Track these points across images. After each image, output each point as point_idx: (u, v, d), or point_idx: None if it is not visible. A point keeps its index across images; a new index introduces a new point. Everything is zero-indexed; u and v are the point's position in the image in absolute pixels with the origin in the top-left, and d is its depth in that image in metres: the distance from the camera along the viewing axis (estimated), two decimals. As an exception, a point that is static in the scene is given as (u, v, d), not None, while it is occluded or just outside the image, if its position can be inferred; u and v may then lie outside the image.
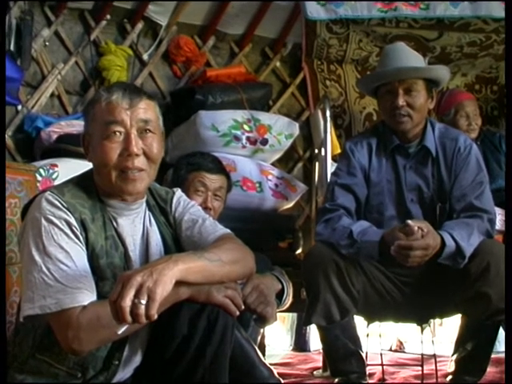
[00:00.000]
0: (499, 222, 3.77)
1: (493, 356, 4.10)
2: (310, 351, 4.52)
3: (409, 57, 3.16)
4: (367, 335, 3.28)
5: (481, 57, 5.10)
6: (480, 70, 5.38)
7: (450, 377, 3.16)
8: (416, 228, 2.70)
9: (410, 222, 2.74)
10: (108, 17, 4.62)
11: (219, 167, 3.21)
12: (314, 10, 4.30)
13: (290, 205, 4.37)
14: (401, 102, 3.03)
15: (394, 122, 3.08)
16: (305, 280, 2.99)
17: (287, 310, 3.03)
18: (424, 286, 2.99)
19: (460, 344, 3.03)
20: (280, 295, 2.77)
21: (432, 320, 3.38)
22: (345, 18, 4.42)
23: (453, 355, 3.06)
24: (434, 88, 3.16)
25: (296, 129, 4.42)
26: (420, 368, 3.34)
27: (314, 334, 4.36)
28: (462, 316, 3.09)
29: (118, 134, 2.07)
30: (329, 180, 3.33)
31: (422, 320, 3.25)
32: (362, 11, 4.34)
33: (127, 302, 1.72)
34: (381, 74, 3.14)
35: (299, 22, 4.85)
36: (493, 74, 5.41)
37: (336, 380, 3.10)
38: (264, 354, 3.79)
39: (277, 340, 4.67)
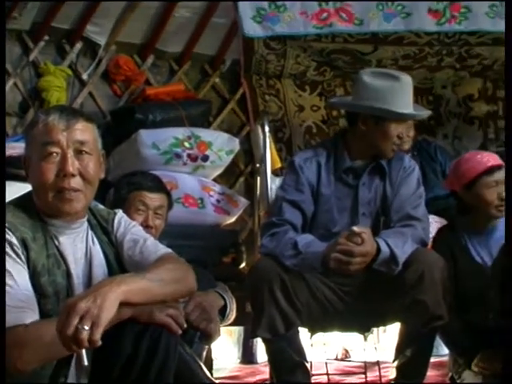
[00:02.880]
0: (434, 230, 3.87)
1: (434, 360, 4.22)
2: (257, 363, 4.56)
3: (404, 100, 3.23)
4: (311, 345, 3.34)
5: (415, 69, 5.20)
6: (415, 82, 5.45)
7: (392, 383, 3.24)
8: (360, 233, 2.81)
9: (354, 228, 2.84)
10: (46, 37, 4.62)
11: (159, 186, 3.24)
12: (251, 28, 4.35)
13: (233, 220, 4.43)
14: (397, 134, 3.17)
15: (388, 151, 3.19)
16: (250, 293, 3.01)
17: (233, 324, 3.08)
18: (364, 296, 3.06)
19: (400, 351, 3.09)
20: (223, 311, 2.82)
21: (374, 328, 3.46)
22: (281, 34, 4.48)
23: (393, 362, 3.13)
24: None
25: (236, 144, 4.48)
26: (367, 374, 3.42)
27: (260, 346, 4.40)
28: (400, 323, 3.17)
29: (54, 154, 2.09)
30: (276, 194, 3.37)
31: (364, 329, 3.33)
32: (298, 28, 4.39)
33: (71, 331, 1.74)
34: (391, 112, 3.16)
35: (237, 38, 4.89)
36: (428, 84, 5.53)
37: None
38: (211, 368, 3.83)
39: (224, 353, 4.69)
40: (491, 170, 3.19)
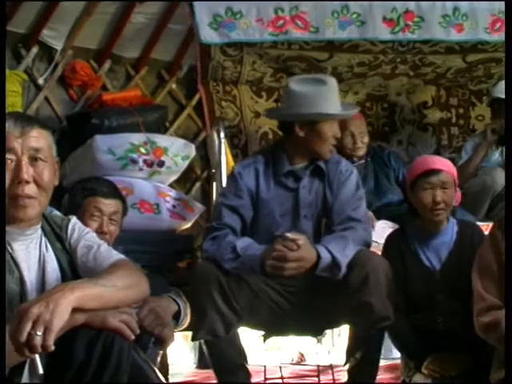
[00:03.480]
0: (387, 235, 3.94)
1: (387, 362, 4.30)
2: (213, 368, 4.57)
3: (332, 100, 3.28)
4: (266, 349, 3.38)
5: (370, 76, 5.30)
6: (370, 89, 5.59)
7: None
8: (293, 240, 2.86)
9: (288, 234, 2.89)
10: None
11: (114, 192, 3.24)
12: (208, 34, 4.38)
13: (188, 225, 4.44)
14: (332, 139, 3.24)
15: (325, 152, 3.26)
16: (190, 298, 3.03)
17: (189, 329, 3.09)
18: (311, 297, 3.10)
19: (350, 353, 3.14)
20: (177, 316, 2.84)
21: (328, 331, 3.50)
22: (237, 41, 4.51)
23: (345, 365, 3.18)
24: None
25: (192, 150, 4.50)
26: (322, 377, 3.46)
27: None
28: (349, 326, 3.22)
29: (9, 161, 2.09)
30: (216, 201, 3.45)
31: (316, 331, 3.36)
32: (254, 35, 4.43)
33: (24, 337, 1.74)
34: (308, 114, 3.22)
35: (194, 44, 4.91)
36: (382, 92, 5.64)
37: None
38: (167, 373, 3.85)
39: (180, 358, 4.71)
40: (428, 172, 3.21)
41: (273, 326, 3.31)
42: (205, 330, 3.00)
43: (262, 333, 3.37)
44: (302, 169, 3.27)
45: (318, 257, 2.91)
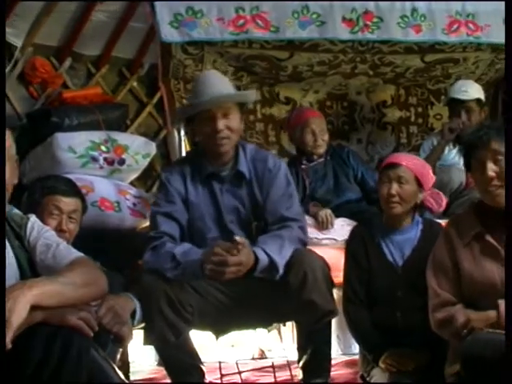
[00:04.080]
0: (346, 232, 3.98)
1: (347, 358, 4.35)
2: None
3: (221, 83, 3.30)
4: (230, 346, 3.40)
5: (330, 75, 5.33)
6: (330, 88, 5.62)
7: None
8: (238, 243, 2.88)
9: (237, 237, 2.91)
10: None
11: (73, 190, 3.24)
12: (169, 33, 4.39)
13: (149, 223, 4.43)
14: (221, 125, 3.17)
15: (215, 145, 3.22)
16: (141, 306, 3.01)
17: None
18: (255, 298, 3.12)
19: (300, 350, 3.19)
20: (135, 314, 2.86)
21: (276, 325, 3.53)
22: (198, 40, 4.52)
23: (299, 362, 3.22)
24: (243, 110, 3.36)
25: (153, 148, 4.51)
26: (280, 374, 3.49)
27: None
28: (295, 323, 3.26)
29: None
30: (151, 211, 3.44)
31: (264, 325, 3.43)
32: (215, 34, 4.45)
33: None
34: (201, 103, 3.24)
35: (155, 43, 4.91)
36: (342, 90, 5.67)
37: None
38: (128, 371, 3.86)
39: (141, 356, 4.71)
40: (388, 166, 3.28)
41: (221, 326, 3.35)
42: (154, 337, 3.03)
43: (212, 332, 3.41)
44: (225, 171, 3.30)
45: (256, 259, 2.94)
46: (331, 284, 3.09)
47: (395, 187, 3.22)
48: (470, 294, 2.71)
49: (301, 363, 3.19)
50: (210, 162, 3.30)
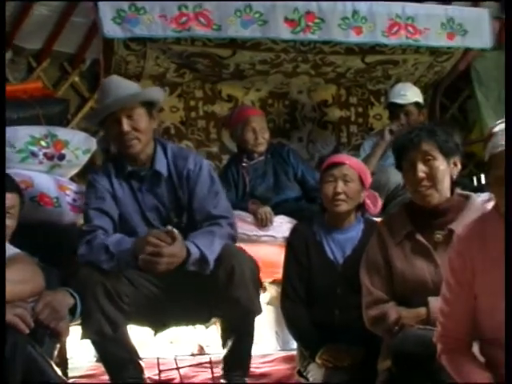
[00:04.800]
0: (285, 230, 4.03)
1: (285, 354, 4.41)
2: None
3: (123, 86, 3.31)
4: (169, 342, 3.41)
5: (272, 74, 5.39)
6: (272, 86, 5.68)
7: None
8: (170, 234, 2.93)
9: (169, 227, 2.97)
10: None
11: (11, 185, 3.20)
12: (111, 29, 4.38)
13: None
14: (126, 127, 3.20)
15: (124, 147, 3.26)
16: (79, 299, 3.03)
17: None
18: (186, 291, 3.16)
19: (223, 343, 3.24)
20: (74, 309, 2.86)
21: (214, 321, 3.55)
22: (141, 36, 4.53)
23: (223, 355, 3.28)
24: (153, 109, 3.37)
25: (93, 143, 4.47)
26: (217, 369, 3.51)
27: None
28: (220, 319, 3.30)
29: None
30: (83, 209, 3.46)
31: (201, 320, 3.43)
32: (157, 31, 4.45)
33: None
34: (104, 106, 3.28)
35: (97, 38, 4.88)
36: (284, 89, 5.74)
37: None
38: (66, 368, 3.85)
39: (80, 352, 4.68)
40: (332, 165, 3.33)
41: (158, 321, 3.38)
42: (92, 331, 3.03)
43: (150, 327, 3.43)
44: (144, 171, 3.33)
45: (188, 252, 2.97)
46: (258, 284, 3.14)
47: (341, 185, 3.27)
48: (402, 291, 2.78)
49: (222, 356, 3.25)
50: (129, 161, 3.33)
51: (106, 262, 3.02)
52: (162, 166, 3.32)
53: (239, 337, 3.18)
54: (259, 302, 3.14)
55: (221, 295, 3.03)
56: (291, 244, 3.42)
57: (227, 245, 3.12)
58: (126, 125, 3.20)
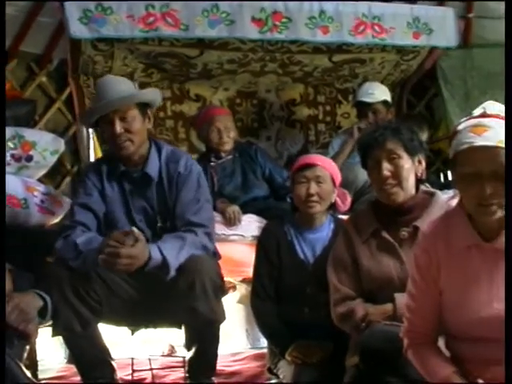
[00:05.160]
0: (253, 228, 4.07)
1: (256, 352, 4.43)
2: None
3: (118, 87, 3.31)
4: (142, 342, 3.41)
5: (240, 73, 5.40)
6: (240, 85, 5.69)
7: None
8: (134, 235, 2.93)
9: (134, 228, 2.98)
10: None
11: (-23, 187, 3.21)
12: (78, 29, 4.36)
13: (57, 220, 4.38)
14: (118, 129, 3.21)
15: (117, 148, 3.27)
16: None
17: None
18: (160, 292, 3.16)
19: (187, 347, 3.24)
20: (44, 311, 2.86)
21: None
22: (107, 37, 4.51)
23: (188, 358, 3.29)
24: (148, 109, 3.38)
25: (61, 144, 4.47)
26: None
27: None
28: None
29: None
30: (70, 202, 3.47)
31: (174, 323, 3.41)
32: (125, 31, 4.43)
33: None
34: (96, 108, 3.30)
35: (65, 38, 4.83)
36: (252, 88, 5.75)
37: None
38: (37, 369, 3.84)
39: (50, 354, 4.67)
40: (304, 167, 3.35)
41: (134, 320, 3.39)
42: (61, 327, 3.04)
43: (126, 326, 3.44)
44: (137, 172, 3.34)
45: (150, 256, 2.97)
46: (221, 292, 3.14)
47: (314, 187, 3.29)
48: (369, 288, 2.82)
49: (187, 358, 3.27)
50: (122, 161, 3.33)
51: (73, 259, 3.04)
52: (153, 168, 3.32)
53: (203, 342, 3.18)
54: (222, 309, 3.14)
55: (182, 304, 3.03)
56: (262, 243, 3.43)
57: (194, 255, 3.09)
58: (118, 127, 3.20)
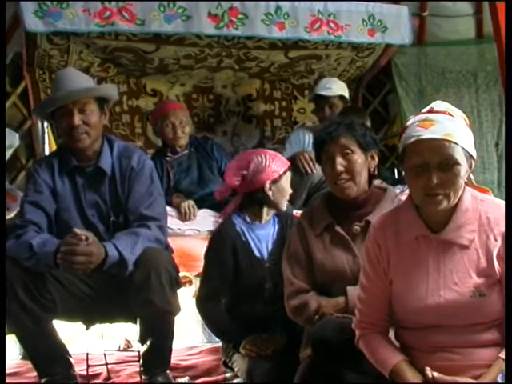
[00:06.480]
0: (208, 223, 4.09)
1: (211, 346, 4.45)
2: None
3: (78, 79, 3.31)
4: (98, 337, 3.40)
5: (196, 68, 5.42)
6: (197, 81, 5.72)
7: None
8: (81, 235, 2.91)
9: (76, 229, 2.95)
10: None
11: None
12: (33, 23, 4.32)
13: (12, 215, 4.34)
14: (77, 121, 3.20)
15: (72, 140, 3.26)
16: None
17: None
18: (114, 288, 3.16)
19: (142, 341, 3.26)
20: None
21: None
22: (63, 31, 4.49)
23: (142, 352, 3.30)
24: (105, 105, 3.38)
25: (16, 139, 4.45)
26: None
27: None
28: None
29: None
30: (20, 200, 3.44)
31: (128, 318, 3.40)
32: (80, 25, 4.41)
33: None
34: (56, 98, 3.27)
35: (19, 32, 4.79)
36: (208, 84, 5.79)
37: (42, 381, 3.21)
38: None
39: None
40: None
41: (89, 317, 3.39)
42: (13, 325, 3.04)
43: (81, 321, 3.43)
44: (90, 167, 3.34)
45: (106, 254, 2.98)
46: (175, 285, 3.15)
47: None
48: (323, 281, 2.85)
49: (141, 352, 3.28)
50: (75, 156, 3.32)
51: (26, 259, 3.02)
52: (106, 163, 3.31)
53: (158, 336, 3.20)
54: (177, 301, 3.15)
55: (138, 297, 3.04)
56: (214, 246, 3.40)
57: (148, 248, 3.10)
58: (77, 118, 3.20)
